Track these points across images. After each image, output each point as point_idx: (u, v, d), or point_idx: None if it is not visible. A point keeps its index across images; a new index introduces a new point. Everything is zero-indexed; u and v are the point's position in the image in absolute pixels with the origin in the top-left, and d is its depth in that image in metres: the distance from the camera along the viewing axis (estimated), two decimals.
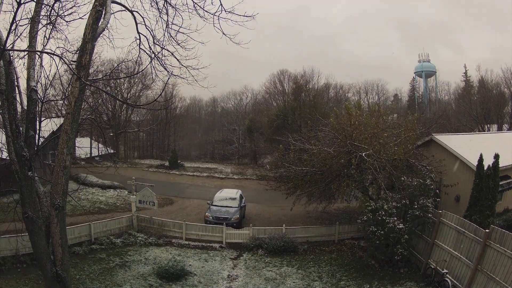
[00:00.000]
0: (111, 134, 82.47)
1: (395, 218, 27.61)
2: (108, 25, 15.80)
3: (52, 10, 16.71)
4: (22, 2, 11.84)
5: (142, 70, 21.58)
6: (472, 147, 36.08)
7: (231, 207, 39.23)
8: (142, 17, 17.45)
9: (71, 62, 15.36)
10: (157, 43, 18.11)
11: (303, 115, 71.01)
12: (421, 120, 41.28)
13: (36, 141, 15.93)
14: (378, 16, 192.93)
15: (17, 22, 14.71)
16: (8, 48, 13.44)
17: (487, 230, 22.44)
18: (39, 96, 16.15)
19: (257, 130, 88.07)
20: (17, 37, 15.27)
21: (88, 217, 31.69)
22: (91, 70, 21.72)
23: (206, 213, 38.49)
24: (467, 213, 28.55)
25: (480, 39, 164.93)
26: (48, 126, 19.99)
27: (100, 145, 79.04)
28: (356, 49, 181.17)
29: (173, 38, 17.73)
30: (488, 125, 73.66)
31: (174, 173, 70.77)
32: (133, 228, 35.15)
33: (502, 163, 29.52)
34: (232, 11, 15.80)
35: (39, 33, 15.93)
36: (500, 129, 70.23)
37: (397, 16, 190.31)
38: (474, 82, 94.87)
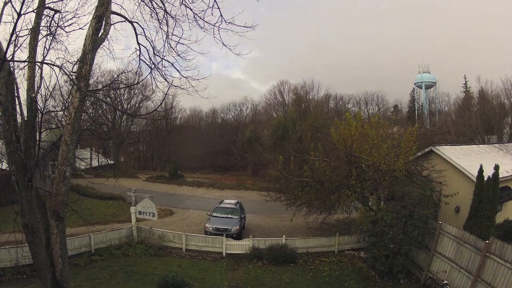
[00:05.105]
0: (111, 145, 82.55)
1: (395, 229, 27.63)
2: (108, 36, 15.82)
3: (52, 21, 16.75)
4: (22, 13, 11.86)
5: (142, 80, 21.63)
6: (472, 158, 36.13)
7: (231, 218, 39.18)
8: (142, 28, 17.47)
9: (71, 73, 15.33)
10: (157, 54, 18.10)
11: (304, 126, 71.13)
12: (421, 131, 41.34)
13: (36, 152, 15.93)
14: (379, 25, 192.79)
15: (17, 33, 14.69)
16: (8, 59, 13.46)
17: (487, 242, 22.46)
18: (39, 107, 16.16)
19: (257, 141, 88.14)
20: (17, 48, 15.27)
21: (88, 228, 31.64)
22: (91, 81, 21.79)
23: (206, 224, 38.41)
24: (467, 224, 28.50)
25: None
26: (48, 137, 20.00)
27: (100, 156, 79.13)
28: (357, 57, 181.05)
29: (173, 49, 17.73)
30: (488, 136, 73.62)
31: (174, 184, 70.72)
32: (133, 239, 35.14)
33: (502, 174, 29.56)
34: (232, 22, 15.83)
35: (39, 43, 15.97)
36: (500, 140, 70.07)
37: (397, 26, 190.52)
38: (474, 93, 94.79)
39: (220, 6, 15.71)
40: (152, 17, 17.47)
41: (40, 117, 16.29)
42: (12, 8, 13.87)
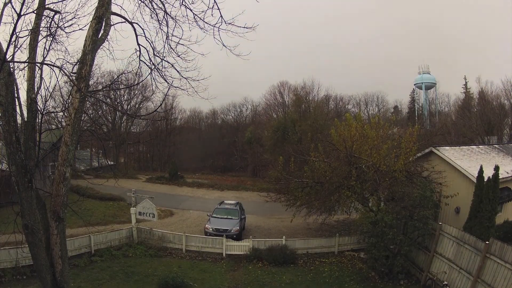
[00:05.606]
0: (111, 146, 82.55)
1: (395, 230, 27.62)
2: (108, 37, 15.80)
3: (52, 22, 16.75)
4: (22, 13, 11.85)
5: (142, 81, 21.58)
6: (472, 158, 36.12)
7: (231, 218, 39.21)
8: (142, 29, 17.44)
9: (71, 74, 15.32)
10: (157, 54, 18.06)
11: (304, 126, 71.10)
12: (421, 132, 41.29)
13: (36, 153, 15.91)
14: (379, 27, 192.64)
15: (17, 34, 14.70)
16: (8, 59, 13.45)
17: (487, 242, 22.46)
18: (39, 107, 16.16)
19: (257, 141, 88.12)
20: (17, 48, 15.26)
21: (88, 229, 31.66)
22: (91, 82, 21.76)
23: (206, 225, 38.42)
24: (467, 225, 28.48)
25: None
26: (48, 137, 19.97)
27: (100, 157, 79.14)
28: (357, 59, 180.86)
29: (173, 50, 17.70)
30: (488, 136, 73.51)
31: (174, 185, 70.64)
32: (133, 240, 35.16)
33: (502, 175, 29.53)
34: (232, 23, 15.80)
35: (39, 44, 15.96)
36: (500, 140, 70.00)
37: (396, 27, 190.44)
38: (474, 94, 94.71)
39: (220, 7, 15.72)
40: (152, 18, 17.47)
41: (40, 118, 16.29)
42: (12, 9, 13.89)
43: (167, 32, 17.50)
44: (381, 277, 28.76)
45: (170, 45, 17.76)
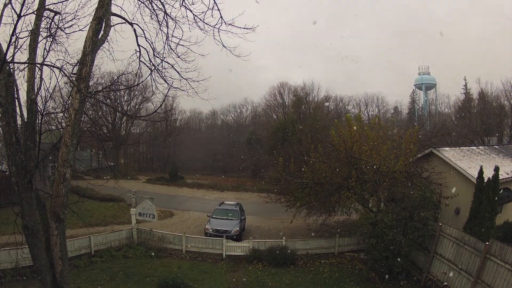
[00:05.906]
0: (110, 147, 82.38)
1: (395, 231, 27.60)
2: (108, 38, 15.77)
3: (52, 23, 16.71)
4: (22, 14, 11.81)
5: (142, 82, 21.50)
6: (472, 159, 36.09)
7: (231, 219, 39.20)
8: (142, 30, 17.38)
9: (71, 75, 15.30)
10: (157, 55, 18.00)
11: (304, 127, 71.04)
12: (421, 133, 41.25)
13: (36, 154, 15.90)
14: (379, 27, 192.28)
15: (17, 35, 14.65)
16: (8, 60, 13.43)
17: (487, 243, 22.46)
18: (39, 108, 16.13)
19: (257, 142, 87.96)
20: (17, 49, 15.21)
21: (88, 229, 31.66)
22: (91, 83, 21.68)
23: (206, 226, 38.40)
24: (467, 226, 28.46)
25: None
26: (48, 138, 19.95)
27: (100, 158, 79.07)
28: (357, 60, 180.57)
29: (173, 51, 17.65)
30: (488, 137, 73.44)
31: (174, 185, 70.55)
32: (133, 241, 35.15)
33: (502, 175, 29.50)
34: (232, 24, 15.77)
35: (39, 45, 15.94)
36: (500, 141, 69.94)
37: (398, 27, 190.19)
38: (474, 95, 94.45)
39: (220, 7, 15.70)
40: (152, 18, 17.43)
41: (40, 118, 16.26)
42: (12, 10, 13.88)
43: (167, 33, 17.48)
44: (381, 278, 28.75)
45: (170, 46, 17.73)
